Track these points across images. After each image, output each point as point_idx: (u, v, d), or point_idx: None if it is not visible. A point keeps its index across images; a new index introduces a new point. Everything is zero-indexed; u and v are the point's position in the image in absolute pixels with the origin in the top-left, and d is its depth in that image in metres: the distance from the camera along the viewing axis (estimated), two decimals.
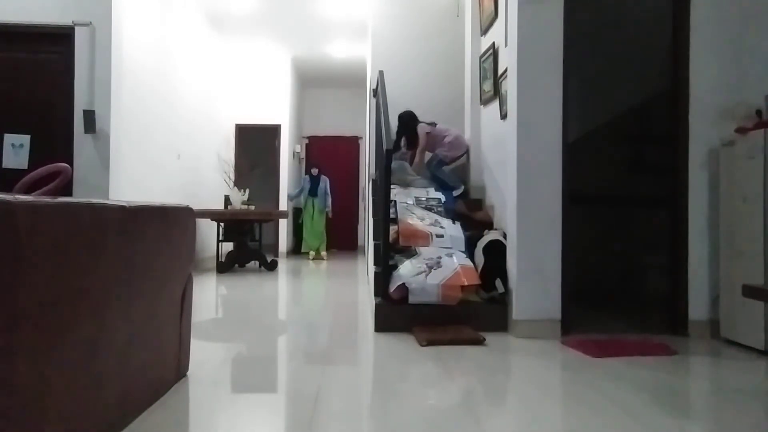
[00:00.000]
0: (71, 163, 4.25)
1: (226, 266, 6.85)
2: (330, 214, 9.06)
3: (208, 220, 6.95)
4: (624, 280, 4.79)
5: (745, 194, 3.08)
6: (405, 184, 4.76)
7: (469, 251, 3.81)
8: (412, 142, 5.02)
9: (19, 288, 1.22)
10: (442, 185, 4.80)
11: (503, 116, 4.06)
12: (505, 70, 3.86)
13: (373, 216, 4.72)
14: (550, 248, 3.31)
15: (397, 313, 3.41)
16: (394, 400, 2.21)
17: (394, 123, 4.75)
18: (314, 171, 8.98)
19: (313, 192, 8.94)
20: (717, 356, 2.97)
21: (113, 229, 1.65)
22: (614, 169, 4.81)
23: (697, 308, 3.37)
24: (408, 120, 4.98)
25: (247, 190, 7.22)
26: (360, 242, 10.61)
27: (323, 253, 9.05)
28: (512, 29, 3.47)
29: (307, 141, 10.93)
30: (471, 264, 3.62)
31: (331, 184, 9.03)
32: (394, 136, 4.80)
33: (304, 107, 10.88)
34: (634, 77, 4.71)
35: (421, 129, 4.93)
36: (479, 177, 4.85)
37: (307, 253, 9.09)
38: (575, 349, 2.95)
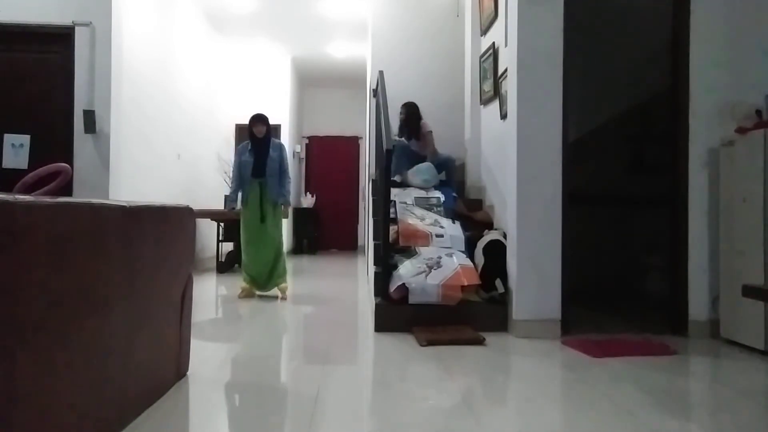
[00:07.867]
0: (71, 163, 4.24)
1: (226, 266, 6.85)
2: (286, 213, 4.88)
3: (208, 220, 6.95)
4: (624, 280, 4.79)
5: (745, 194, 3.08)
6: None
7: (469, 251, 3.81)
8: (414, 133, 4.93)
9: (19, 288, 1.22)
10: (445, 178, 4.77)
11: (503, 116, 4.06)
12: (505, 70, 3.86)
13: (373, 216, 4.72)
14: (550, 248, 3.31)
15: (397, 313, 3.41)
16: (394, 400, 2.21)
17: (394, 123, 4.75)
18: (259, 131, 4.60)
19: (258, 172, 4.61)
20: (717, 356, 2.98)
21: (113, 230, 1.65)
22: (614, 169, 4.81)
23: (697, 308, 3.36)
24: (416, 110, 4.94)
25: None
26: (360, 242, 10.61)
27: (283, 286, 4.74)
28: (512, 29, 3.47)
29: (307, 141, 10.93)
30: (471, 264, 3.61)
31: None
32: (395, 129, 4.75)
33: (304, 107, 10.87)
34: (634, 77, 4.71)
35: (425, 126, 4.90)
36: (479, 177, 4.85)
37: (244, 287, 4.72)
38: (575, 349, 2.95)
